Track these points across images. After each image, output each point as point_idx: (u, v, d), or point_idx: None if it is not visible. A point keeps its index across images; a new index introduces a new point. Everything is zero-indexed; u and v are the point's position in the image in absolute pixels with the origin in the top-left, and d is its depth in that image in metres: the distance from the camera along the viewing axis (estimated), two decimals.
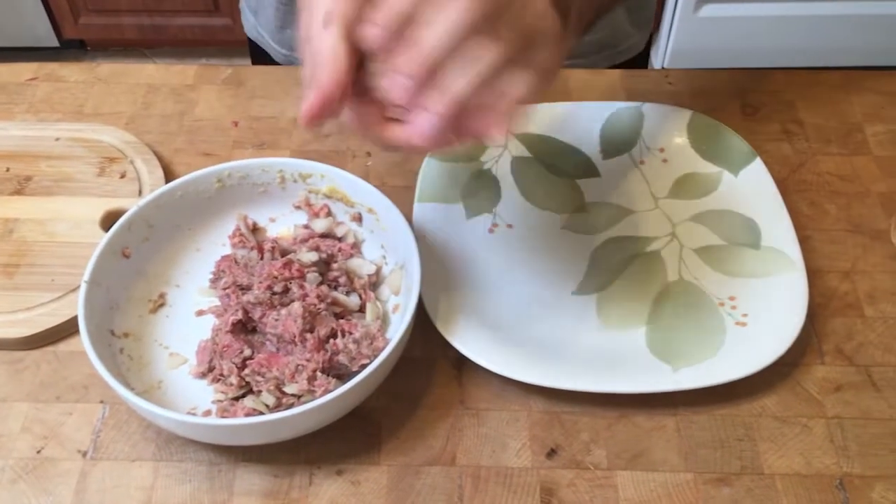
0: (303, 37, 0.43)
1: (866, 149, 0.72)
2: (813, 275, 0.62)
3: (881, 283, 0.62)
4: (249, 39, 0.92)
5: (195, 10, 2.09)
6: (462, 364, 0.58)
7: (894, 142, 0.72)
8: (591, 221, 0.65)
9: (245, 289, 0.58)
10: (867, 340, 0.59)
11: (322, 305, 0.56)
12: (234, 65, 0.79)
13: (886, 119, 0.74)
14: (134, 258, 0.59)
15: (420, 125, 0.41)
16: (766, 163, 0.67)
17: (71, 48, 2.21)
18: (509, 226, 0.65)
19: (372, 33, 0.40)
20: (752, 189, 0.66)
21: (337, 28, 0.40)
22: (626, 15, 0.83)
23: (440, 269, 0.61)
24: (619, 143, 0.70)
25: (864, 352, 0.59)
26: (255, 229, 0.63)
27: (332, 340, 0.55)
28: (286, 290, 0.57)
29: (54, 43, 2.16)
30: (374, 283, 0.60)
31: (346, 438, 0.55)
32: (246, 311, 0.56)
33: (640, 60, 0.90)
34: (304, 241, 0.61)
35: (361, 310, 0.59)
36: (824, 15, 1.82)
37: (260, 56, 0.91)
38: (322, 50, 0.40)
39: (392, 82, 0.40)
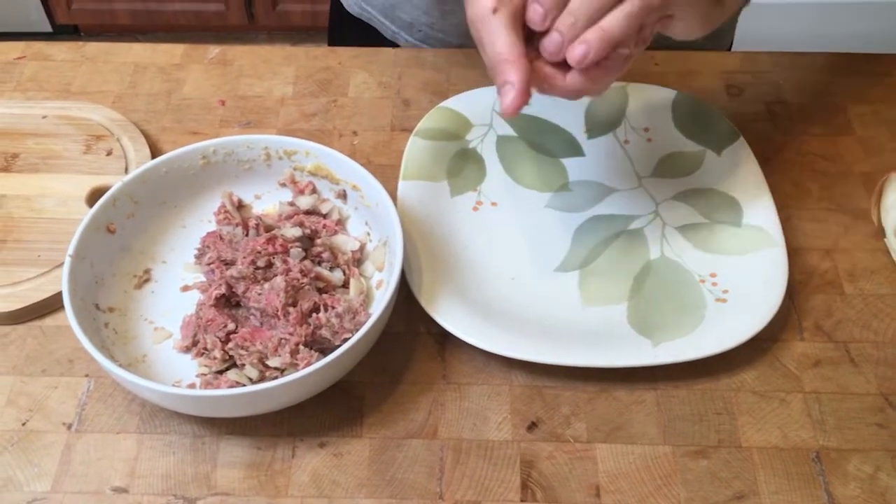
0: (469, 19, 0.48)
1: (850, 129, 0.72)
2: (794, 253, 0.63)
3: (861, 262, 0.63)
4: (335, 16, 0.91)
5: None
6: (444, 339, 0.58)
7: (878, 122, 0.72)
8: (574, 200, 0.66)
9: (229, 264, 0.58)
10: (846, 317, 0.60)
11: (305, 280, 0.56)
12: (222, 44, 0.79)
13: (870, 99, 0.74)
14: (119, 234, 0.59)
15: (576, 53, 0.46)
16: (750, 143, 0.67)
17: (64, 33, 2.20)
18: (493, 203, 0.65)
19: (535, 12, 0.47)
20: (734, 168, 0.66)
21: (503, 14, 0.47)
22: None
23: (424, 245, 0.61)
24: (604, 123, 0.70)
25: (842, 328, 0.59)
26: (240, 206, 0.64)
27: (314, 315, 0.55)
28: (269, 265, 0.57)
29: (47, 28, 2.16)
30: (358, 259, 0.61)
31: (329, 411, 0.55)
32: (230, 286, 0.57)
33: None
34: (289, 217, 0.61)
35: (345, 285, 0.59)
36: (807, 3, 1.84)
37: (348, 32, 0.89)
38: (494, 37, 0.47)
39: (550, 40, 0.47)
